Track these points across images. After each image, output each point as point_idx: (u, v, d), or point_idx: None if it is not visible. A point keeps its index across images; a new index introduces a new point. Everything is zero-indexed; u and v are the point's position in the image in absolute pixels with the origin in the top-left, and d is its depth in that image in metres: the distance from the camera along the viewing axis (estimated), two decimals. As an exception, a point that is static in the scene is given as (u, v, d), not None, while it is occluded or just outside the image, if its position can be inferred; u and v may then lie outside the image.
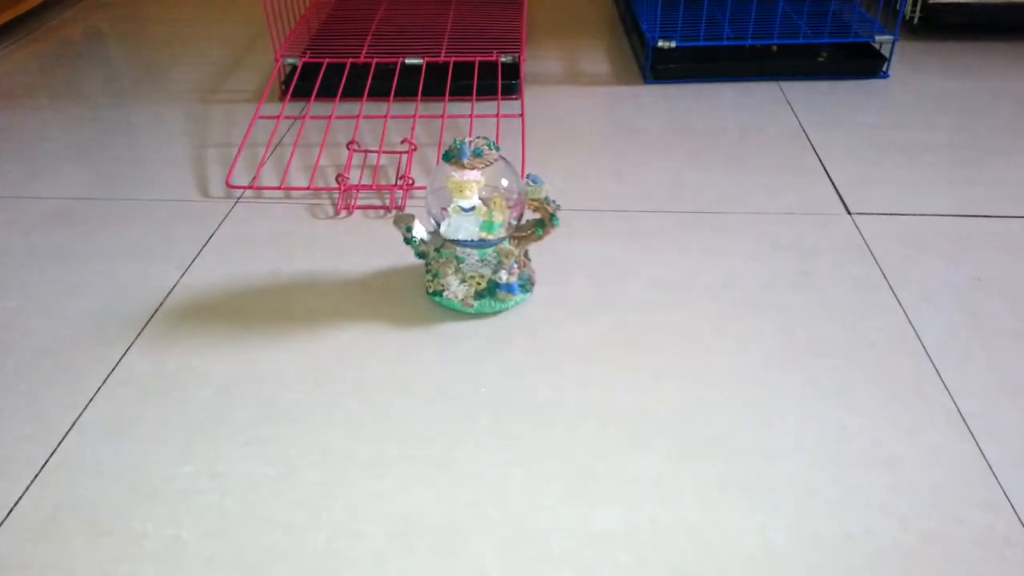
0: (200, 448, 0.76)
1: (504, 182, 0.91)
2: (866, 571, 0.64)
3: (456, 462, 0.74)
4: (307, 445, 0.76)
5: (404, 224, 0.94)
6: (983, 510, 0.69)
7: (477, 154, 0.88)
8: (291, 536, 0.68)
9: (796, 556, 0.65)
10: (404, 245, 1.04)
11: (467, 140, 0.89)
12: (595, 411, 0.80)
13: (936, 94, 1.45)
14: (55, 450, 0.76)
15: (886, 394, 0.81)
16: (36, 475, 0.74)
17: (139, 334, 0.91)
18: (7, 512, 0.70)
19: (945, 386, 0.81)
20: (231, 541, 0.67)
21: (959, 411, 0.79)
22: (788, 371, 0.84)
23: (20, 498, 0.72)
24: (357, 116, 1.34)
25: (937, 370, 0.83)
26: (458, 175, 0.88)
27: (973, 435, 0.76)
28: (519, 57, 1.47)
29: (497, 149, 0.90)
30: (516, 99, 1.44)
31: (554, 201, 0.92)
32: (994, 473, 0.72)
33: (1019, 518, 0.68)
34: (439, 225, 0.92)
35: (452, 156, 0.88)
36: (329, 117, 1.35)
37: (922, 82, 1.50)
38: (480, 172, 0.88)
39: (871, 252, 1.02)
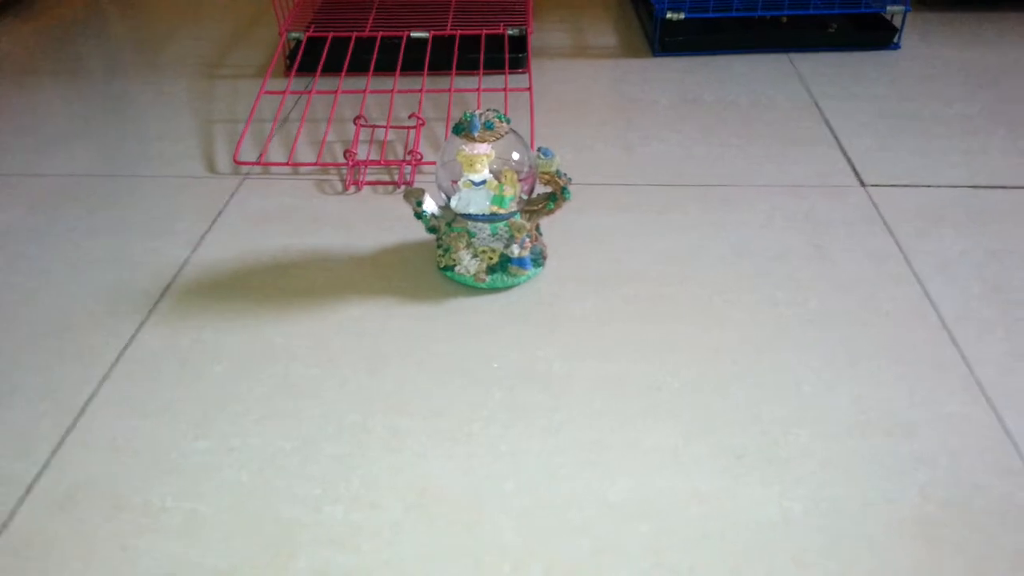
0: (215, 423, 0.76)
1: (515, 155, 0.90)
2: (885, 540, 0.64)
3: (472, 435, 0.74)
4: (322, 419, 0.76)
5: (414, 199, 0.93)
6: (1002, 477, 0.69)
7: (488, 126, 0.87)
8: (309, 509, 0.68)
9: (814, 525, 0.65)
10: (414, 220, 1.04)
11: (477, 112, 0.88)
12: (609, 383, 0.79)
13: (948, 64, 1.43)
14: (71, 427, 0.76)
15: (902, 364, 0.80)
16: (54, 452, 0.74)
17: (151, 311, 0.91)
18: (26, 489, 0.70)
19: (962, 355, 0.81)
20: (249, 515, 0.67)
21: (976, 380, 0.78)
22: (802, 342, 0.84)
23: (39, 475, 0.72)
24: (363, 91, 1.33)
25: (954, 339, 0.83)
26: (468, 148, 0.87)
27: (991, 403, 0.76)
28: (526, 30, 1.45)
29: (508, 121, 0.89)
30: (523, 72, 1.42)
31: (565, 174, 0.91)
32: (1012, 440, 0.72)
33: (1037, 486, 0.68)
34: (449, 199, 0.92)
35: (462, 128, 0.87)
36: (335, 92, 1.33)
37: (934, 52, 1.48)
38: (490, 145, 0.87)
39: (885, 223, 1.01)
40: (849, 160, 1.15)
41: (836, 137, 1.21)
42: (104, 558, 0.64)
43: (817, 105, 1.31)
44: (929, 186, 1.09)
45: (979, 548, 0.63)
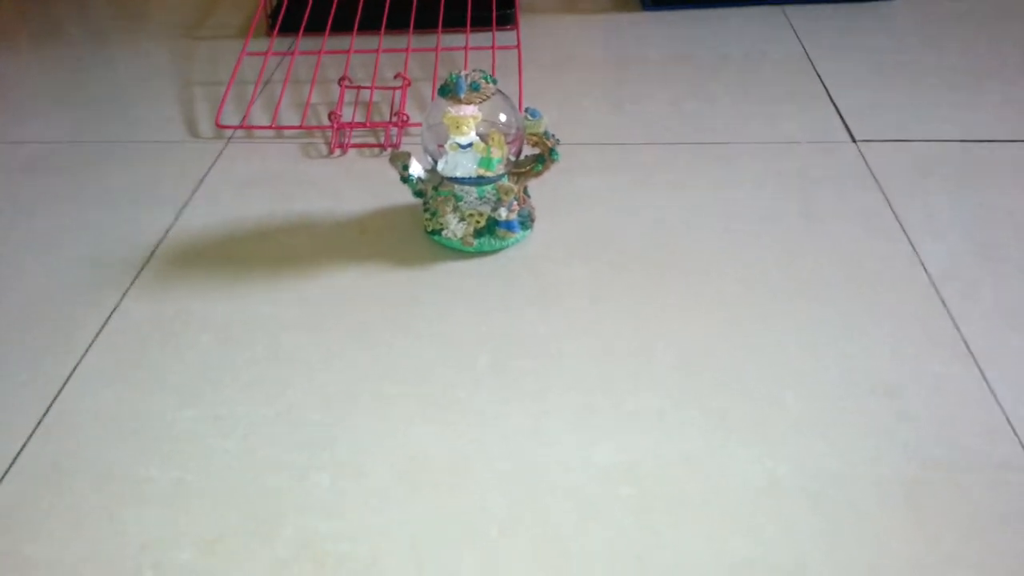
0: (201, 392, 0.76)
1: (502, 117, 0.89)
2: (870, 501, 0.64)
3: (458, 400, 0.74)
4: (308, 387, 0.76)
5: (400, 162, 0.91)
6: (986, 437, 0.69)
7: (474, 88, 0.85)
8: (295, 477, 0.68)
9: (800, 487, 0.65)
10: (400, 184, 1.02)
11: (463, 73, 0.86)
12: (597, 347, 0.79)
13: (943, 16, 1.40)
14: (55, 398, 0.76)
15: (890, 323, 0.80)
16: (37, 423, 0.74)
17: (134, 280, 0.90)
18: (11, 461, 0.70)
19: (950, 314, 0.81)
20: (235, 483, 0.68)
21: (963, 339, 0.78)
22: (791, 302, 0.83)
23: (23, 447, 0.72)
24: (348, 51, 1.30)
25: (942, 298, 0.83)
26: (454, 110, 0.85)
27: (977, 362, 0.75)
28: (513, -15, 1.42)
29: (494, 82, 0.87)
30: (511, 30, 1.39)
31: (553, 135, 0.89)
32: (997, 400, 0.72)
33: (1022, 444, 0.68)
34: (436, 162, 0.90)
35: (448, 90, 0.86)
36: (319, 52, 1.31)
37: (929, 3, 1.45)
38: (477, 107, 0.86)
39: (876, 180, 1.00)
40: (841, 115, 1.14)
41: (828, 92, 1.19)
42: (91, 528, 0.65)
43: (810, 59, 1.29)
44: (920, 141, 1.07)
45: (962, 508, 0.64)
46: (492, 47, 1.30)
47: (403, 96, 1.19)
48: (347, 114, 1.17)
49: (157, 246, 0.95)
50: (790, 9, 1.45)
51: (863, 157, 1.05)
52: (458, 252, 0.92)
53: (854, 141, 1.08)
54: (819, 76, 1.24)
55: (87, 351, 0.81)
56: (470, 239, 0.91)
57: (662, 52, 1.33)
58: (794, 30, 1.38)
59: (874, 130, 1.10)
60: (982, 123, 1.11)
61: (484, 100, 0.86)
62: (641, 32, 1.40)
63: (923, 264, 0.87)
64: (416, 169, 0.92)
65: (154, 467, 0.69)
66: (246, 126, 1.17)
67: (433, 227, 0.92)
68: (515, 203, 0.90)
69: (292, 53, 1.34)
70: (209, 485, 0.67)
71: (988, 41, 1.31)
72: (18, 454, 0.71)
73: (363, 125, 1.16)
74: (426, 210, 0.93)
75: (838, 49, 1.31)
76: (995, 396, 0.72)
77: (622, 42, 1.37)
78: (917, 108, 1.15)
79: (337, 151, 1.11)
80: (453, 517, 0.64)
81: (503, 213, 0.90)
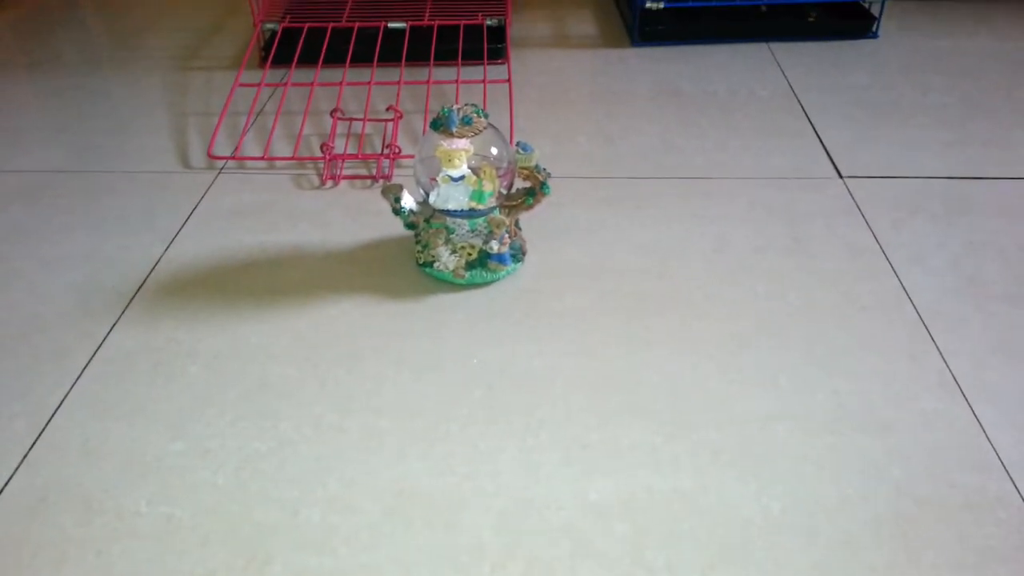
0: (191, 424, 0.75)
1: (493, 150, 0.90)
2: (862, 536, 0.64)
3: (450, 435, 0.74)
4: (299, 420, 0.76)
5: (392, 194, 0.92)
6: (976, 472, 0.69)
7: (466, 122, 0.86)
8: (285, 512, 0.67)
9: (792, 522, 0.66)
10: (392, 216, 1.03)
11: (455, 107, 0.87)
12: (589, 380, 0.79)
13: (927, 54, 1.44)
14: (43, 429, 0.75)
15: (879, 358, 0.81)
16: (25, 455, 0.73)
17: (125, 309, 0.89)
18: (-4, 493, 0.70)
19: (938, 349, 0.82)
20: (225, 518, 0.67)
21: (952, 374, 0.79)
22: (781, 336, 0.84)
23: (10, 479, 0.71)
24: (340, 83, 1.31)
25: (930, 333, 0.84)
26: (446, 144, 0.86)
27: (966, 398, 0.76)
28: (505, 20, 1.44)
29: (486, 116, 0.88)
30: (502, 63, 1.41)
31: (544, 169, 0.90)
32: (987, 435, 0.72)
33: (1011, 479, 0.69)
34: (428, 195, 0.91)
35: (440, 124, 0.86)
36: (311, 84, 1.32)
37: (912, 42, 1.48)
38: (469, 140, 0.86)
39: (863, 215, 1.02)
40: (827, 151, 1.15)
41: (814, 128, 1.21)
42: (77, 563, 0.64)
43: (796, 95, 1.31)
44: (906, 177, 1.09)
45: (954, 544, 0.64)
46: (483, 81, 1.31)
47: (395, 128, 1.20)
48: (339, 146, 1.18)
49: (148, 276, 0.94)
50: (775, 45, 1.48)
51: (850, 192, 1.06)
52: (449, 284, 0.92)
53: (841, 177, 1.10)
54: (805, 112, 1.26)
55: (76, 381, 0.80)
56: (461, 271, 0.91)
57: (651, 87, 1.35)
58: (780, 66, 1.41)
59: (860, 166, 1.12)
60: (967, 159, 1.13)
61: (476, 134, 0.87)
62: (630, 67, 1.42)
63: (911, 299, 0.88)
64: (408, 201, 0.93)
65: (143, 501, 0.68)
66: (238, 157, 1.18)
67: (425, 259, 0.93)
68: (506, 236, 0.91)
69: (285, 84, 1.35)
70: (198, 520, 0.67)
71: (971, 78, 1.34)
72: (4, 487, 0.70)
73: (355, 157, 1.16)
74: (418, 242, 0.94)
75: (823, 85, 1.34)
76: (984, 432, 0.73)
77: (611, 77, 1.39)
78: (902, 144, 1.17)
79: (329, 182, 1.12)
80: (445, 553, 0.64)
81: (494, 246, 0.90)
